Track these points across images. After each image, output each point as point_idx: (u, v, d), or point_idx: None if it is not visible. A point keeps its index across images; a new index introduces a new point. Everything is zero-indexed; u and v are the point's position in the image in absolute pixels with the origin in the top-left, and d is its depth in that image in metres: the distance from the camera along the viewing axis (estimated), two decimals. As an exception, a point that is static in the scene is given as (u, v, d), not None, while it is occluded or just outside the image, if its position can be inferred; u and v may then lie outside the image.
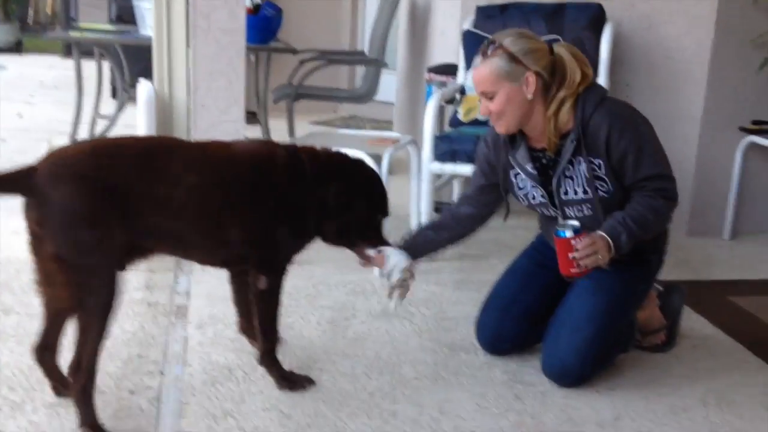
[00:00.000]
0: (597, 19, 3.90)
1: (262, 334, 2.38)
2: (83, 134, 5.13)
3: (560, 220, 2.44)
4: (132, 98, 5.08)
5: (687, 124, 3.94)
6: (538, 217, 2.70)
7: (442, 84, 4.30)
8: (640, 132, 2.38)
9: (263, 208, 2.26)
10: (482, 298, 2.73)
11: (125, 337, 2.65)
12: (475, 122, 3.79)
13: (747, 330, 2.97)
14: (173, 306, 2.93)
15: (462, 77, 4.01)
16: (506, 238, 3.75)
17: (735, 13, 3.87)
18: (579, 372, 2.47)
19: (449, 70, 4.32)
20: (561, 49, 2.40)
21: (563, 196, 2.44)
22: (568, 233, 2.32)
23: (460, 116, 3.86)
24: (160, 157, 2.17)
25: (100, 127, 5.22)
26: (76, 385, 2.06)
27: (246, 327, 2.53)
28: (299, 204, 2.31)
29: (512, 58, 2.33)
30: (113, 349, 2.55)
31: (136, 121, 3.79)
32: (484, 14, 4.07)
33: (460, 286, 3.26)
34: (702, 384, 2.56)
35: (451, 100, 3.98)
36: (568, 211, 2.46)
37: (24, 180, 1.99)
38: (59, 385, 2.24)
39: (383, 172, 3.31)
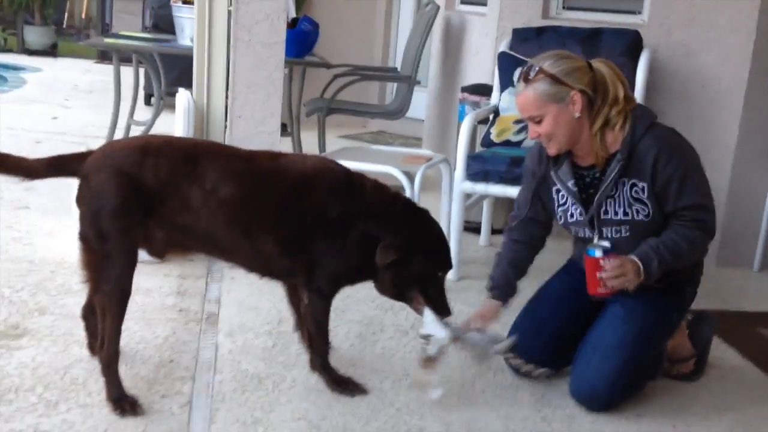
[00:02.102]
0: (634, 45, 3.92)
1: (311, 344, 2.46)
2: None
3: (594, 240, 2.45)
4: (167, 105, 5.16)
5: (720, 153, 3.94)
6: (572, 240, 2.71)
7: (476, 104, 4.33)
8: (687, 160, 2.40)
9: (302, 226, 2.29)
10: (510, 320, 2.73)
11: (157, 342, 2.69)
12: (507, 143, 3.81)
13: (776, 363, 2.95)
14: (204, 313, 2.96)
15: (496, 98, 4.03)
16: (536, 260, 3.76)
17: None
18: (607, 398, 2.47)
19: (483, 90, 4.35)
20: (599, 65, 2.42)
21: (603, 216, 2.46)
22: (598, 253, 2.34)
23: (493, 137, 3.88)
24: (201, 162, 2.24)
25: (135, 133, 5.28)
26: (103, 361, 2.25)
27: (300, 324, 2.59)
28: (348, 230, 2.31)
29: (555, 79, 2.35)
30: (146, 353, 2.60)
31: (173, 129, 3.84)
32: (520, 36, 4.10)
33: (488, 306, 3.26)
34: (730, 415, 2.55)
35: (484, 121, 4.00)
36: (606, 231, 2.47)
37: (77, 163, 2.24)
38: (94, 344, 2.43)
39: (416, 189, 3.34)
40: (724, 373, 2.84)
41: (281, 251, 2.31)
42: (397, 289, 2.39)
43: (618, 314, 2.51)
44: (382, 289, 2.43)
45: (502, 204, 4.21)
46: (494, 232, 4.18)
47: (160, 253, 2.37)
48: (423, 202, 3.40)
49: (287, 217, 2.28)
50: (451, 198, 3.58)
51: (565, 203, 2.53)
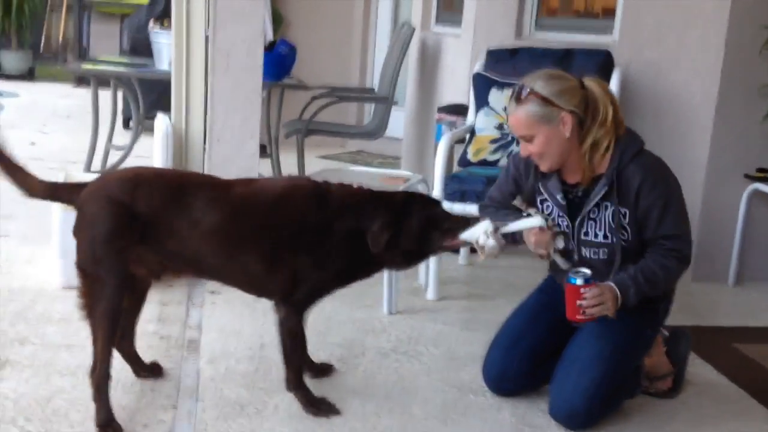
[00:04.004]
0: (605, 64, 3.99)
1: (284, 361, 2.49)
2: (97, 165, 5.19)
3: (574, 268, 2.48)
4: (146, 129, 5.16)
5: (693, 170, 4.00)
6: (550, 263, 2.74)
7: (452, 124, 4.38)
8: (670, 190, 2.46)
9: (281, 242, 2.37)
10: (490, 339, 2.76)
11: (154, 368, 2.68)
12: (484, 162, 3.86)
13: (752, 377, 2.99)
14: (185, 340, 2.96)
15: (472, 118, 4.08)
16: (513, 278, 3.80)
17: (741, 63, 3.95)
18: (586, 415, 2.49)
19: (459, 110, 4.40)
20: (591, 84, 2.47)
21: (583, 237, 2.50)
22: (579, 281, 2.38)
23: (470, 156, 3.92)
24: (188, 192, 2.36)
25: (114, 157, 5.29)
26: (93, 384, 2.30)
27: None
28: (327, 234, 2.38)
29: (545, 101, 2.39)
30: (127, 381, 2.59)
31: (152, 153, 3.85)
32: (494, 57, 4.16)
33: (468, 326, 3.29)
34: (707, 430, 2.58)
35: (461, 140, 4.05)
36: (584, 251, 2.51)
37: (74, 193, 2.35)
38: (138, 368, 2.62)
39: (394, 211, 3.36)
40: (700, 388, 2.88)
41: (267, 269, 2.39)
42: (415, 254, 2.49)
43: (593, 331, 2.54)
44: (403, 265, 2.55)
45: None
46: (473, 251, 4.19)
47: (156, 274, 2.47)
48: (402, 223, 3.44)
49: (266, 235, 2.37)
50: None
51: (550, 214, 2.57)
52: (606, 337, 2.52)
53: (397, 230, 2.38)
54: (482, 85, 4.02)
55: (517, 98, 2.44)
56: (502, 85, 3.93)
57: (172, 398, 2.53)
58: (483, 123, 3.93)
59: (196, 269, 2.48)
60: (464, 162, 3.94)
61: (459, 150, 4.06)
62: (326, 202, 2.42)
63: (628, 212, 2.44)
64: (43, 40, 11.22)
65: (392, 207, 2.42)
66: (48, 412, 2.37)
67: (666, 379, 2.78)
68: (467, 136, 4.01)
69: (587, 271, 2.41)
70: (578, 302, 2.38)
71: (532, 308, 2.75)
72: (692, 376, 2.90)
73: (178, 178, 2.50)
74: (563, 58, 4.00)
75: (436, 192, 3.55)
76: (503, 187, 2.73)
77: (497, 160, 3.82)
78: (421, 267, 3.69)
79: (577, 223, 2.50)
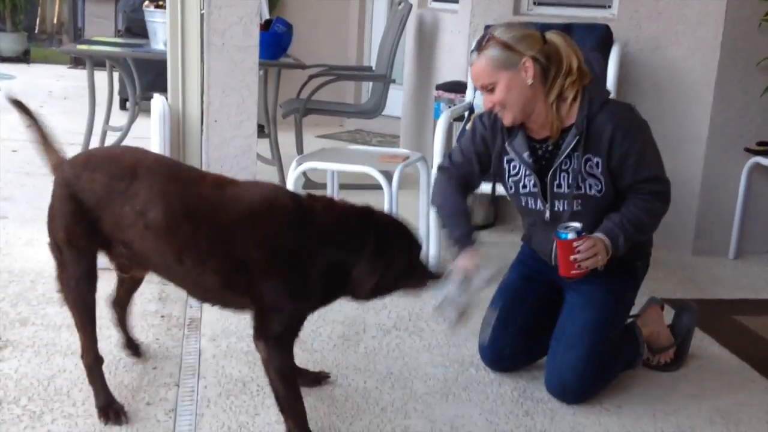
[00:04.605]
0: (604, 40, 3.96)
1: (280, 410, 2.17)
2: (95, 146, 5.18)
3: (546, 215, 2.47)
4: (143, 110, 5.14)
5: (693, 144, 4.00)
6: (523, 221, 2.72)
7: (451, 101, 4.36)
8: (643, 134, 2.43)
9: (246, 262, 2.05)
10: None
11: (141, 349, 2.69)
12: (484, 140, 3.84)
13: (753, 350, 3.01)
14: (186, 318, 2.96)
15: (470, 95, 4.06)
16: (514, 254, 3.79)
17: (740, 36, 3.93)
18: (579, 388, 2.50)
19: (458, 87, 4.37)
20: (552, 36, 2.43)
21: (556, 189, 2.47)
22: (571, 235, 2.35)
23: (469, 134, 3.90)
24: (138, 180, 2.11)
25: (112, 139, 5.27)
26: (86, 370, 2.29)
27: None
28: (298, 261, 2.07)
29: (505, 45, 2.36)
30: (129, 361, 2.61)
31: (149, 134, 3.83)
32: (493, 33, 4.13)
33: (468, 302, 3.29)
34: (709, 403, 2.59)
35: (459, 118, 4.03)
36: (558, 205, 2.48)
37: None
38: (127, 342, 2.62)
39: (394, 188, 3.36)
40: (702, 361, 2.88)
41: (223, 284, 2.11)
42: (380, 292, 2.23)
43: (576, 303, 2.54)
44: (364, 299, 2.26)
45: (480, 200, 4.24)
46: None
47: (124, 268, 2.37)
48: (401, 200, 3.44)
49: (229, 249, 2.06)
50: (429, 196, 3.60)
51: (517, 174, 2.54)
52: (588, 309, 2.52)
53: (381, 273, 2.13)
54: (480, 62, 3.99)
55: (478, 47, 2.40)
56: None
57: (174, 376, 2.53)
58: (481, 100, 3.90)
59: (149, 266, 2.26)
60: (463, 139, 3.92)
61: (458, 127, 4.05)
62: (308, 224, 2.10)
63: (600, 161, 2.40)
64: (38, 22, 11.18)
65: (380, 246, 2.12)
66: (50, 392, 2.37)
67: (667, 351, 2.78)
68: (466, 114, 4.00)
69: (577, 224, 2.37)
70: (572, 257, 2.35)
71: (515, 284, 2.73)
72: (693, 349, 2.90)
73: (134, 162, 2.17)
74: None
75: (436, 170, 3.53)
76: (467, 149, 2.62)
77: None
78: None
79: (549, 176, 2.46)
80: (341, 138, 6.58)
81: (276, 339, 2.10)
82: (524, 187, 2.53)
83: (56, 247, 2.23)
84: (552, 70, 2.39)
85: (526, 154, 2.49)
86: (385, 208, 3.34)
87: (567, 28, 3.98)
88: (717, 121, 4.01)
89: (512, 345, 2.65)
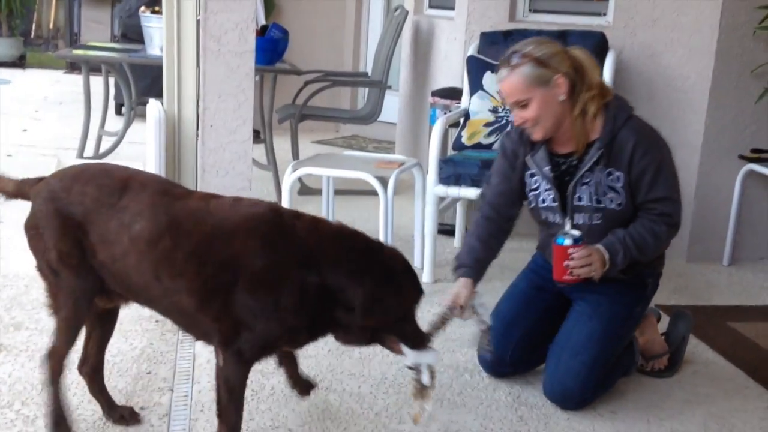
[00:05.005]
0: (599, 47, 3.97)
1: (217, 414, 2.07)
2: (90, 151, 5.18)
3: (565, 228, 2.47)
4: (138, 115, 5.14)
5: (687, 151, 4.00)
6: (538, 232, 2.74)
7: (446, 108, 4.36)
8: (662, 154, 2.46)
9: (223, 279, 1.98)
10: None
11: (134, 354, 2.69)
12: (479, 146, 3.85)
13: (747, 356, 3.01)
14: (181, 323, 2.96)
15: (466, 101, 4.07)
16: (508, 260, 3.78)
17: (735, 44, 3.95)
18: (580, 395, 2.51)
19: (453, 94, 4.38)
20: (576, 51, 2.47)
21: (576, 202, 2.49)
22: (567, 241, 2.38)
23: (464, 140, 3.91)
24: (128, 194, 2.05)
25: (107, 143, 5.27)
26: (48, 368, 2.14)
27: (291, 372, 2.39)
28: (275, 280, 1.98)
29: (539, 62, 2.39)
30: (123, 366, 2.60)
31: (144, 139, 3.84)
32: (488, 40, 4.14)
33: (463, 308, 3.29)
34: (703, 409, 2.60)
35: (455, 124, 4.04)
36: (578, 218, 2.50)
37: (27, 188, 2.15)
38: (107, 407, 2.30)
39: (389, 194, 3.37)
40: (696, 367, 2.89)
41: (197, 305, 2.00)
42: (364, 340, 2.11)
43: (584, 312, 2.55)
44: (348, 342, 2.14)
45: (475, 206, 4.25)
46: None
47: (114, 296, 2.17)
48: (397, 206, 3.45)
49: (204, 265, 1.98)
50: (424, 202, 3.61)
51: (537, 188, 2.56)
52: (596, 319, 2.54)
53: (371, 304, 2.00)
54: (476, 69, 4.00)
55: (508, 64, 2.42)
56: (496, 68, 3.92)
57: (169, 381, 2.53)
58: (477, 106, 3.92)
59: (125, 289, 2.10)
60: (459, 145, 3.93)
61: (453, 134, 4.05)
62: (289, 241, 2.01)
63: (622, 175, 2.43)
64: (33, 27, 11.17)
65: (387, 281, 2.02)
66: (44, 396, 2.35)
67: (661, 358, 2.79)
68: (461, 120, 4.00)
69: (576, 232, 2.41)
70: (565, 263, 2.38)
71: (523, 293, 2.75)
72: (688, 355, 2.91)
73: (126, 177, 2.11)
74: (557, 41, 3.97)
75: (431, 176, 3.55)
76: (499, 168, 2.64)
77: (492, 143, 3.81)
78: (417, 249, 3.69)
79: (570, 188, 2.49)
80: (337, 144, 6.59)
81: (238, 354, 2.01)
82: (543, 201, 2.55)
83: (47, 267, 2.08)
84: (578, 85, 2.43)
85: (546, 169, 2.52)
86: (381, 213, 3.35)
87: (562, 36, 4.00)
88: (711, 128, 4.02)
89: (514, 351, 2.66)
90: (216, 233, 2.00)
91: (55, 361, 2.12)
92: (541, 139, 2.48)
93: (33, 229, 2.10)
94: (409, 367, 2.16)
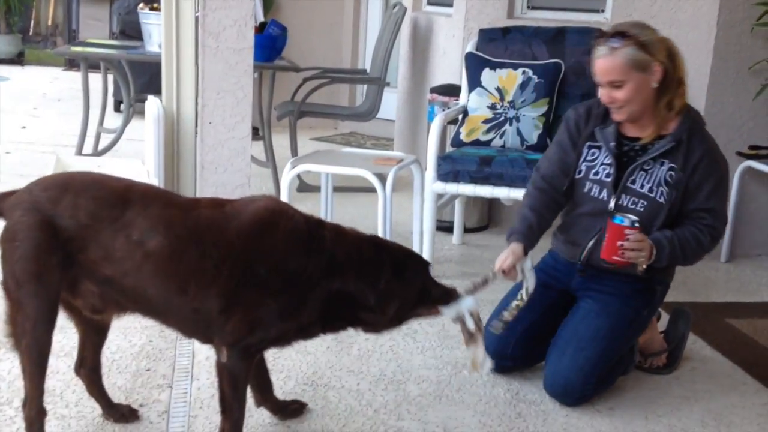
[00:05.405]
0: (598, 43, 3.97)
1: (221, 410, 2.08)
2: (89, 148, 5.18)
3: (610, 205, 2.50)
4: (137, 112, 5.14)
5: (685, 148, 4.01)
6: (562, 216, 2.73)
7: (445, 104, 4.37)
8: (724, 170, 2.54)
9: (248, 280, 1.98)
10: (484, 317, 2.76)
11: (134, 351, 2.70)
12: (477, 142, 3.85)
13: (745, 352, 3.02)
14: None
15: (464, 98, 4.07)
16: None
17: (732, 41, 3.95)
18: (581, 390, 2.51)
19: (452, 90, 4.38)
20: (672, 44, 2.49)
21: (629, 184, 2.52)
22: (626, 222, 2.41)
23: (463, 137, 3.91)
24: (132, 206, 1.98)
25: (105, 141, 5.26)
26: (25, 422, 2.05)
27: (262, 400, 2.34)
28: (305, 291, 2.00)
29: (642, 47, 2.41)
30: (122, 362, 2.60)
31: (142, 136, 3.84)
32: (486, 37, 4.14)
33: (462, 305, 3.30)
34: (701, 405, 2.61)
35: (453, 121, 4.04)
36: (623, 199, 2.52)
37: (4, 200, 2.00)
38: (106, 407, 2.28)
39: (388, 191, 3.37)
40: (694, 364, 2.90)
41: (222, 309, 1.98)
42: (393, 323, 2.14)
43: (592, 309, 2.56)
44: (378, 332, 2.16)
45: (473, 203, 4.26)
46: (467, 231, 4.23)
47: (98, 310, 2.09)
48: (395, 203, 3.45)
49: (233, 271, 1.97)
50: (423, 198, 3.61)
51: (594, 160, 2.58)
52: (603, 316, 2.55)
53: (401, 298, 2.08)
54: (474, 65, 4.00)
55: (609, 42, 2.43)
56: (494, 65, 3.92)
57: (168, 378, 2.54)
58: (476, 103, 3.92)
59: (134, 302, 2.04)
60: (457, 142, 3.93)
61: (452, 130, 4.05)
62: (318, 248, 2.02)
63: (682, 176, 2.48)
64: (32, 24, 11.15)
65: (396, 273, 2.07)
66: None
67: (660, 356, 2.80)
68: (460, 117, 4.00)
69: (634, 217, 2.43)
70: (620, 242, 2.40)
71: None
72: (686, 352, 2.92)
73: (123, 188, 2.03)
74: (555, 37, 3.98)
75: (429, 172, 3.55)
76: (556, 154, 2.67)
77: (490, 140, 3.82)
78: (415, 246, 3.69)
79: (628, 170, 2.52)
80: (335, 140, 6.59)
81: (245, 350, 2.03)
82: (596, 174, 2.57)
83: (14, 284, 1.94)
84: (669, 76, 2.45)
85: (612, 144, 2.55)
86: (379, 210, 3.35)
87: (561, 32, 4.00)
88: (709, 124, 3.93)
89: (515, 346, 2.66)
90: (247, 236, 1.99)
91: (31, 407, 2.03)
92: (622, 120, 2.52)
93: (9, 242, 1.95)
94: (454, 321, 2.21)
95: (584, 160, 2.60)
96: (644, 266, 2.45)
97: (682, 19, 4.01)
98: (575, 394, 2.51)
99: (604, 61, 2.44)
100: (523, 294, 2.53)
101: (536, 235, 2.59)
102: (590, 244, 2.56)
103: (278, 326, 2.02)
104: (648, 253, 2.42)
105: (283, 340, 2.10)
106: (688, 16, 3.99)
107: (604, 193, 2.55)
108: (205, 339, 2.10)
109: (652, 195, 2.50)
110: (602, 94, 2.49)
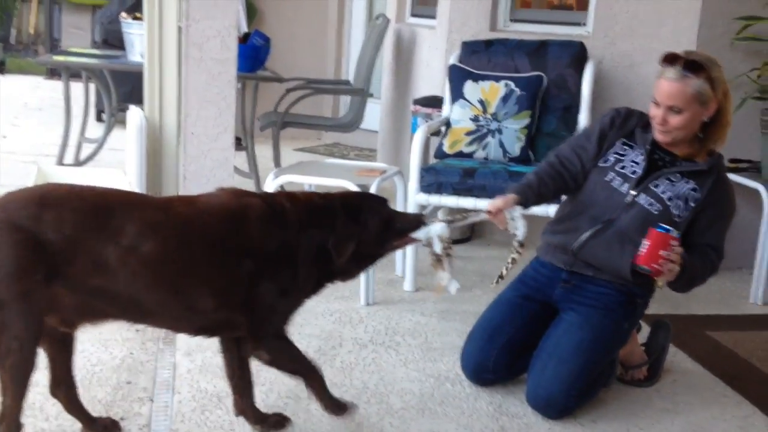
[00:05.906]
0: (579, 56, 4.01)
1: (309, 386, 2.23)
2: (70, 158, 5.14)
3: (626, 198, 2.54)
4: (119, 121, 5.12)
5: (666, 160, 4.04)
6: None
7: (428, 116, 4.38)
8: (732, 216, 2.63)
9: (238, 268, 2.05)
10: (467, 329, 2.78)
11: (114, 363, 2.67)
12: (460, 154, 3.86)
13: (725, 365, 3.04)
14: (161, 332, 2.94)
15: (447, 110, 4.08)
16: (489, 269, 3.81)
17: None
18: (563, 403, 2.52)
19: (435, 102, 4.40)
20: (727, 84, 2.53)
21: (651, 186, 2.55)
22: (674, 233, 2.41)
23: (446, 148, 3.92)
24: (116, 214, 1.97)
25: (87, 150, 5.23)
26: None
27: (243, 406, 2.32)
28: (286, 256, 2.11)
29: (711, 83, 2.47)
30: (102, 375, 2.58)
31: (124, 146, 3.82)
32: (469, 49, 4.16)
33: (445, 317, 3.30)
34: (682, 417, 2.62)
35: (437, 133, 4.05)
36: (641, 197, 2.55)
37: None
38: (85, 421, 2.24)
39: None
40: (675, 376, 2.91)
41: (218, 304, 2.06)
42: (368, 258, 2.27)
43: (574, 322, 2.57)
44: (354, 272, 2.28)
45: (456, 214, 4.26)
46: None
47: (71, 323, 2.07)
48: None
49: (222, 264, 2.05)
50: (405, 210, 3.61)
51: (624, 155, 2.62)
52: (586, 329, 2.56)
53: (357, 238, 2.18)
54: (457, 77, 4.02)
55: (685, 70, 2.46)
56: (477, 77, 3.94)
57: (149, 391, 2.51)
58: (458, 115, 3.93)
59: (125, 309, 2.04)
60: (440, 154, 3.94)
61: (435, 142, 4.07)
62: (284, 220, 2.12)
63: (699, 201, 2.54)
64: (14, 32, 11.09)
65: (350, 214, 2.18)
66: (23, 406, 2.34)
67: (641, 368, 2.81)
68: (443, 129, 4.02)
69: (675, 231, 2.43)
70: (663, 251, 2.40)
71: (510, 301, 2.76)
72: (667, 364, 2.93)
73: (101, 196, 2.03)
74: (538, 50, 4.02)
75: (412, 184, 3.56)
76: (578, 139, 2.73)
77: (473, 152, 3.83)
78: (398, 258, 3.70)
79: (655, 173, 2.56)
80: (319, 151, 6.59)
81: (275, 337, 2.16)
82: (623, 168, 2.60)
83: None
84: (720, 114, 2.52)
85: (648, 147, 2.59)
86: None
87: (542, 45, 4.03)
88: None
89: (496, 358, 2.66)
90: (226, 230, 2.07)
91: (9, 424, 1.98)
92: (665, 142, 2.56)
93: None
94: (424, 244, 2.31)
95: (613, 152, 2.64)
96: (666, 281, 2.46)
97: (663, 33, 4.05)
98: (558, 406, 2.51)
99: (672, 86, 2.47)
100: (515, 244, 2.49)
101: (533, 195, 2.59)
102: (587, 235, 2.57)
103: (287, 300, 2.15)
104: (679, 269, 2.44)
105: (294, 310, 2.21)
106: (669, 31, 4.03)
107: (625, 187, 2.57)
108: (195, 333, 2.18)
109: (670, 204, 2.53)
110: (656, 114, 2.53)
